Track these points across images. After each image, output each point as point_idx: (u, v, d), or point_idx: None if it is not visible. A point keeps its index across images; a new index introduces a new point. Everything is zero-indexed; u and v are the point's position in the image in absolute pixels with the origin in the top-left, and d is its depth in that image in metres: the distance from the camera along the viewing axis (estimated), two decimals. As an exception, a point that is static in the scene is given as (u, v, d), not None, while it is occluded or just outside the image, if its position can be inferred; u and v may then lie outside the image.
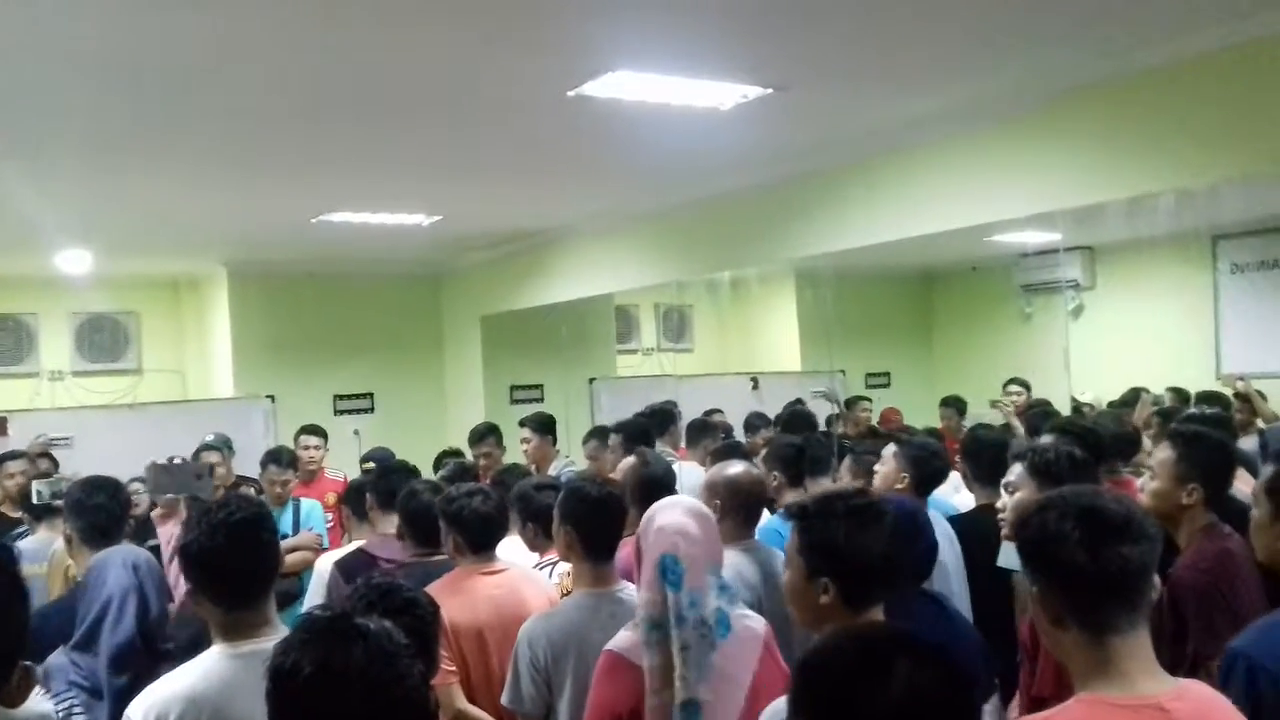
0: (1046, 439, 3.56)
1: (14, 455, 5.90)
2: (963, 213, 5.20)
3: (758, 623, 2.60)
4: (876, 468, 3.96)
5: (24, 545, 4.22)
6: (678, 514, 2.56)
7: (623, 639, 2.51)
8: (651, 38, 3.75)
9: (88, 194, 5.91)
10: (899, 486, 3.75)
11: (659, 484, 3.70)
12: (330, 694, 1.53)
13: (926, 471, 3.82)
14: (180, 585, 3.08)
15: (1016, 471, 3.12)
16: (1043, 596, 1.71)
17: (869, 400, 8.71)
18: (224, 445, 6.57)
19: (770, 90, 4.40)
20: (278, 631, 2.26)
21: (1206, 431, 3.13)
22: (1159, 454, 2.97)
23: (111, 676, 2.86)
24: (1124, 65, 4.33)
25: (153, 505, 3.24)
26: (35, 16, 3.33)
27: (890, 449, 3.95)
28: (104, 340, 9.12)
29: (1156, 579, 1.71)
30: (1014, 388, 7.85)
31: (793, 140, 5.44)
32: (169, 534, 3.11)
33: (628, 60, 3.97)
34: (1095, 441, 3.62)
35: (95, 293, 8.62)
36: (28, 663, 1.25)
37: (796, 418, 6.65)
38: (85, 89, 4.09)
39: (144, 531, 4.05)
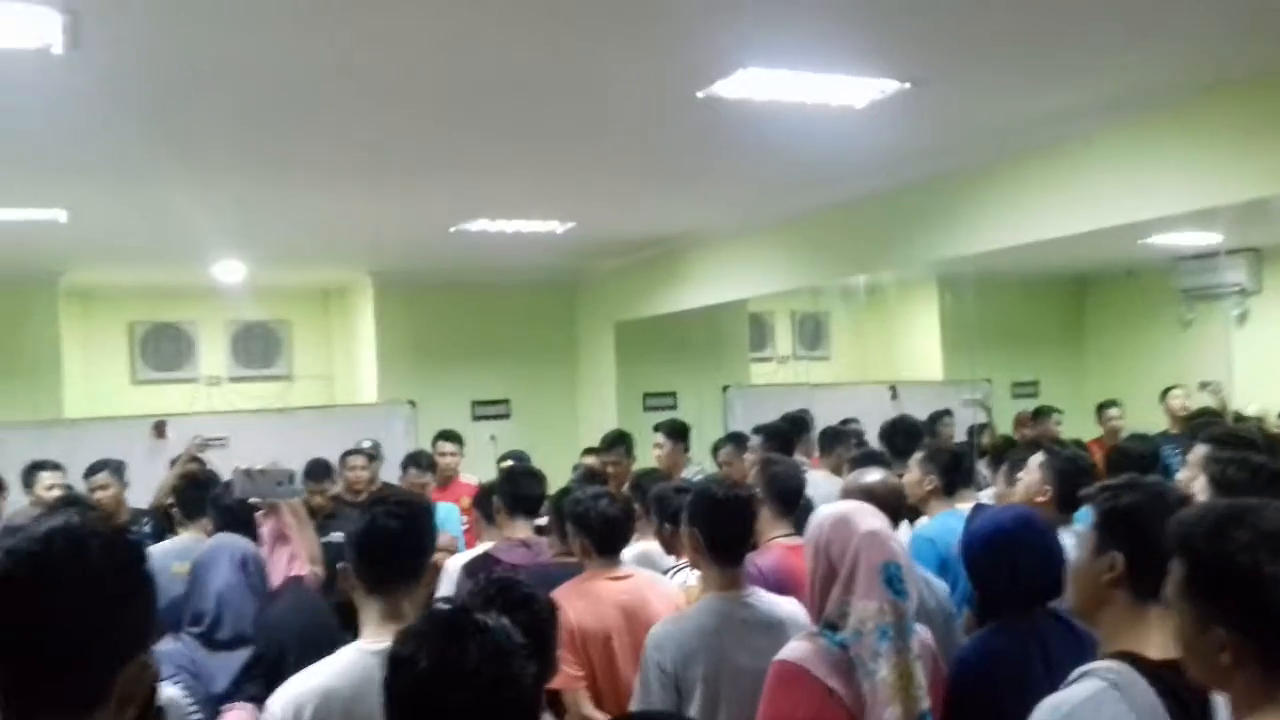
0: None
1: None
2: (1113, 211, 4.96)
3: (925, 630, 2.52)
4: (1019, 476, 3.77)
5: (169, 545, 4.42)
6: (880, 521, 2.46)
7: (799, 649, 2.40)
8: (781, 32, 3.68)
9: (242, 208, 6.17)
10: (1040, 500, 3.57)
11: (791, 482, 3.64)
12: (444, 687, 1.54)
13: (1071, 487, 3.52)
14: (279, 576, 3.19)
15: (1199, 484, 2.90)
16: (1229, 634, 1.50)
17: (1061, 412, 8.20)
18: (377, 452, 6.83)
19: (907, 85, 4.26)
20: None
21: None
22: None
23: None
24: (1290, 49, 4.06)
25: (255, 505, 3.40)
26: (186, 37, 3.48)
27: (1037, 458, 3.74)
28: (258, 347, 9.54)
29: None
30: (1178, 392, 7.45)
31: (931, 137, 5.27)
32: (269, 532, 3.25)
33: (758, 57, 3.90)
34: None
35: (250, 302, 9.02)
36: (147, 656, 1.28)
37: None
38: (237, 107, 4.26)
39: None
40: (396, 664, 1.60)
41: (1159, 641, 1.88)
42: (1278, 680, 1.49)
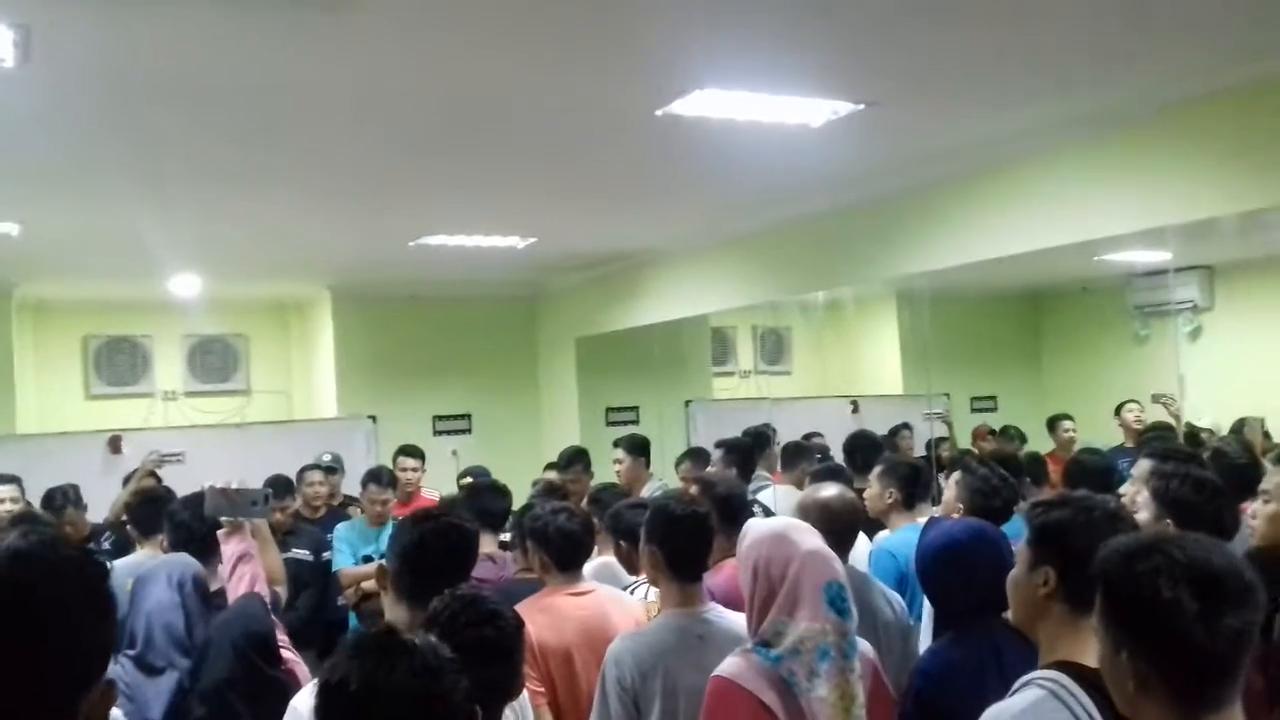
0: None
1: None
2: (1065, 229, 5.04)
3: (866, 646, 2.55)
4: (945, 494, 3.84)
5: (125, 561, 4.36)
6: (819, 539, 2.47)
7: (734, 665, 2.43)
8: (738, 54, 3.73)
9: (198, 221, 6.12)
10: (955, 516, 3.62)
11: (734, 503, 3.65)
12: (376, 709, 1.56)
13: (983, 507, 3.61)
14: (236, 596, 3.17)
15: (1142, 498, 2.92)
16: (1134, 661, 1.53)
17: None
18: (338, 465, 6.79)
19: (862, 106, 4.33)
20: None
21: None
22: (1272, 478, 2.81)
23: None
24: (1235, 74, 4.15)
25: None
26: (140, 51, 3.47)
27: (954, 476, 3.82)
28: (215, 362, 9.44)
29: None
30: (1132, 406, 7.55)
31: (887, 156, 5.34)
32: (232, 551, 3.21)
33: (715, 77, 3.95)
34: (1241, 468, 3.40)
35: (206, 316, 8.93)
36: (110, 678, 1.26)
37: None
38: (192, 122, 4.24)
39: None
40: (327, 690, 1.60)
41: (1096, 651, 1.92)
42: (1185, 712, 1.51)
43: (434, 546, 2.55)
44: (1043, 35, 3.75)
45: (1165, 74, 4.24)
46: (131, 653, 3.03)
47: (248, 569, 3.20)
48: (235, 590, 3.16)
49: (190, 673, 2.94)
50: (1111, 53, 3.99)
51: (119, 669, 2.92)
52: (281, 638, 3.12)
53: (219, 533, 3.25)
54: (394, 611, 2.52)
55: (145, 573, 3.17)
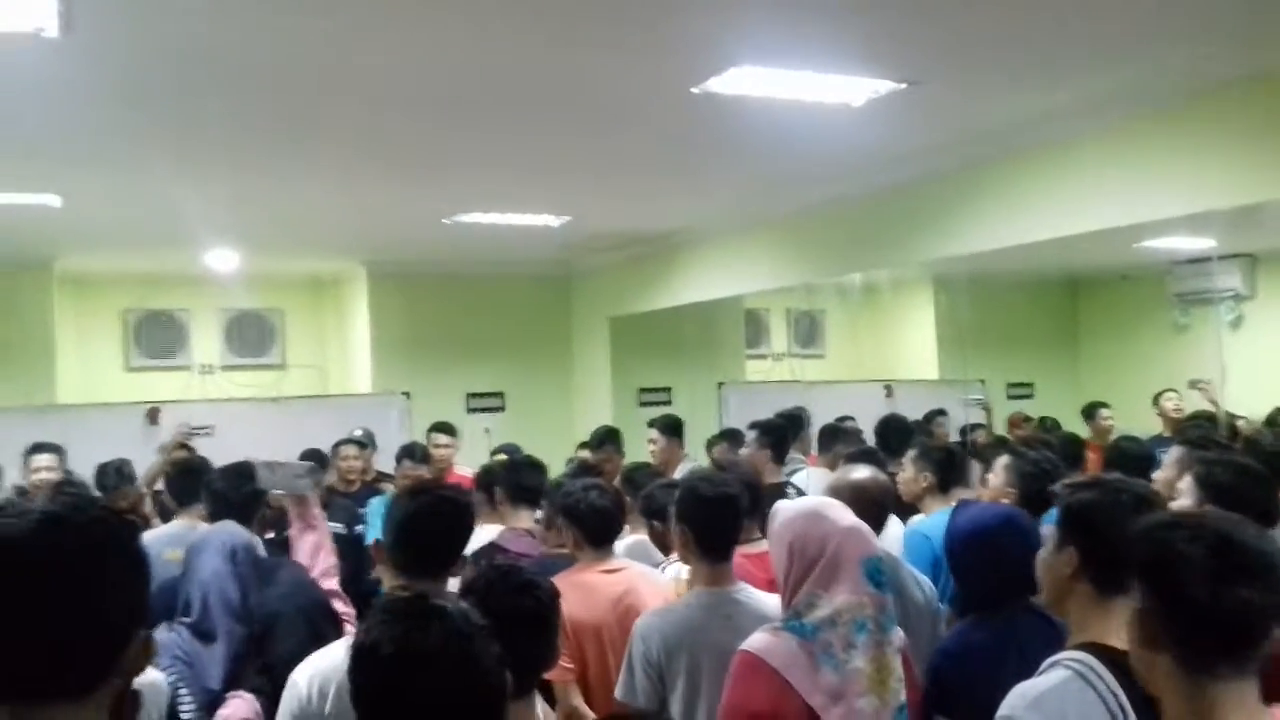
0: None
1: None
2: (1107, 213, 4.96)
3: (896, 630, 2.53)
4: (987, 477, 3.79)
5: (161, 531, 4.41)
6: (854, 516, 2.48)
7: (760, 641, 2.43)
8: (776, 31, 3.69)
9: (236, 197, 6.17)
10: (1005, 501, 3.58)
11: (750, 491, 3.64)
12: (408, 672, 1.57)
13: (1035, 490, 3.57)
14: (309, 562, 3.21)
15: (1184, 484, 2.91)
16: (1143, 616, 1.55)
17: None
18: (369, 441, 6.83)
19: (903, 85, 4.28)
20: None
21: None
22: None
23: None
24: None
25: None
26: (180, 25, 3.49)
27: (1002, 460, 3.77)
28: (251, 336, 9.52)
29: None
30: (1171, 395, 7.44)
31: (927, 137, 5.28)
32: (298, 518, 3.32)
33: (752, 55, 3.91)
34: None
35: (243, 291, 9.01)
36: (148, 633, 1.29)
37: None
38: (231, 95, 4.27)
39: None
40: (360, 653, 1.62)
41: (1123, 632, 1.91)
42: (1188, 676, 1.49)
43: (426, 520, 2.57)
44: (1086, 14, 3.69)
45: (1212, 54, 4.16)
46: (188, 620, 3.07)
47: (310, 537, 3.28)
48: (299, 556, 3.24)
49: (245, 640, 2.98)
50: (1157, 32, 3.92)
51: (176, 636, 2.96)
52: (347, 610, 3.17)
53: (286, 503, 3.35)
54: (391, 583, 2.55)
55: (197, 542, 3.21)
